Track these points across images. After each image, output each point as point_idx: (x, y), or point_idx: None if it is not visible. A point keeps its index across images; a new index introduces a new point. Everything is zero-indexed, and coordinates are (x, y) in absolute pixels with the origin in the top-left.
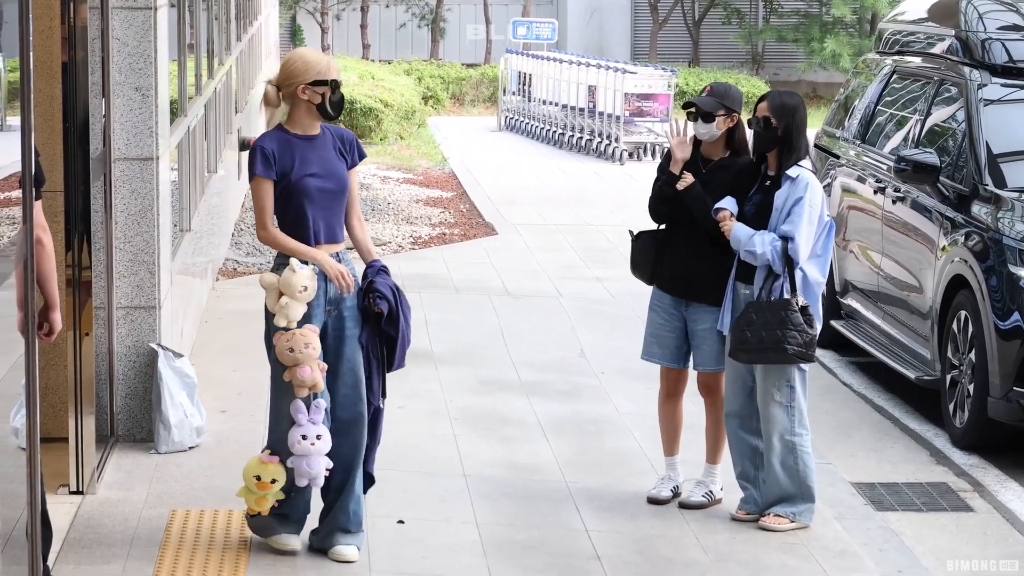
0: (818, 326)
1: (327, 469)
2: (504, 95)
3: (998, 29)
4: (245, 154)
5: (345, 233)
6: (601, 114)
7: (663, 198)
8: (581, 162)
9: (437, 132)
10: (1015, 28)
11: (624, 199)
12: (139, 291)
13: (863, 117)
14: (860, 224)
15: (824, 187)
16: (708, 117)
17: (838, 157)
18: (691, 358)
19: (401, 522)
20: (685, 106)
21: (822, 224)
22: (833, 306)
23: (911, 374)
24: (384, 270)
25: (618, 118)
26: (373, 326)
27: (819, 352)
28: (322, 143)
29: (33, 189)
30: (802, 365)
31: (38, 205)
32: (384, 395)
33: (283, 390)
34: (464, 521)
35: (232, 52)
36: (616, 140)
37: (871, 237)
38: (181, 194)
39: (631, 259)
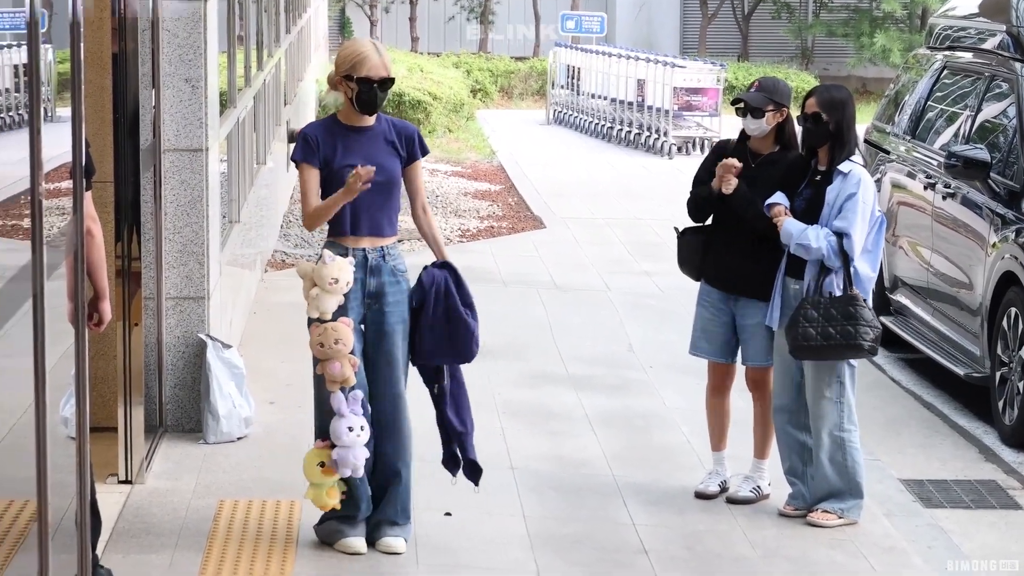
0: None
1: (366, 458)
2: (553, 88)
3: None
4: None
5: (398, 227)
6: (650, 108)
7: (702, 204)
8: (629, 156)
9: (485, 125)
10: None
11: (672, 193)
12: (188, 282)
13: (913, 113)
14: (910, 220)
15: (874, 183)
16: (757, 112)
17: (888, 153)
18: (739, 353)
19: (448, 515)
20: (734, 102)
21: (874, 220)
22: (882, 302)
23: (960, 371)
24: (443, 268)
25: (667, 112)
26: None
27: None
28: (372, 135)
29: (83, 180)
30: (852, 361)
31: (88, 196)
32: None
33: (319, 381)
34: (511, 514)
35: (281, 44)
36: (665, 134)
37: (921, 233)
38: (230, 185)
39: (678, 256)
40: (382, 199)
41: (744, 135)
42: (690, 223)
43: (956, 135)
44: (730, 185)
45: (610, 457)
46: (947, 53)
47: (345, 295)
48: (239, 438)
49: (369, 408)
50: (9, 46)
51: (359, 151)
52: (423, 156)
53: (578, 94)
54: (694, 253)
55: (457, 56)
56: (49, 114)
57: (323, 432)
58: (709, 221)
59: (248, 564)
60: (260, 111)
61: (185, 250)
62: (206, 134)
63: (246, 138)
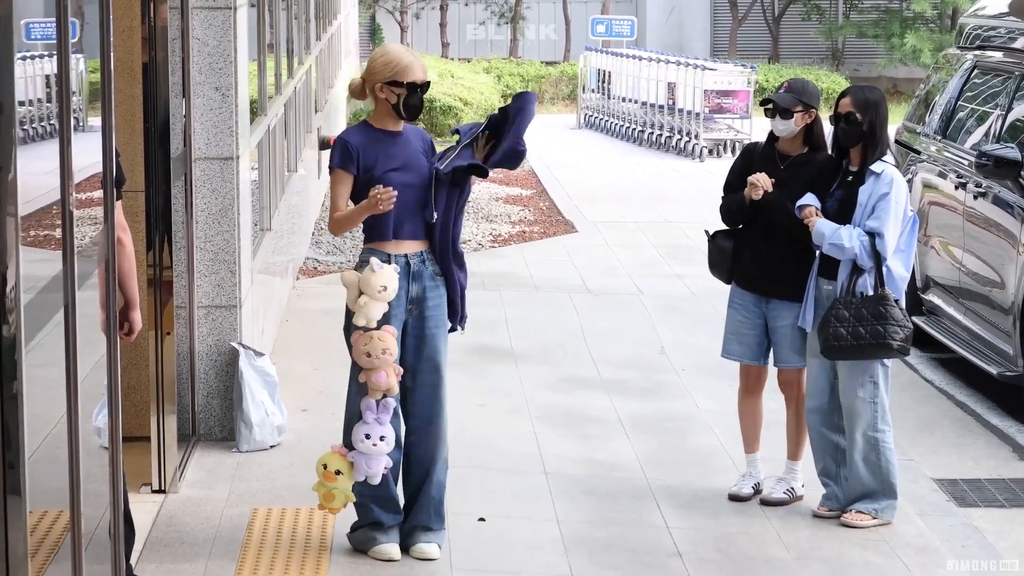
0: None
1: (386, 467)
2: (583, 93)
3: None
4: (325, 153)
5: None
6: (681, 111)
7: (734, 212)
8: (661, 159)
9: None
10: None
11: (704, 196)
12: (220, 290)
13: (944, 112)
14: (941, 220)
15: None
16: (786, 114)
17: (919, 153)
18: (771, 355)
19: (482, 520)
20: (763, 103)
21: (906, 220)
22: (914, 302)
23: (993, 370)
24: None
25: (698, 115)
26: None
27: None
28: (404, 140)
29: (114, 189)
30: (885, 361)
31: (119, 205)
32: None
33: (357, 387)
34: (545, 519)
35: (312, 51)
36: (696, 137)
37: (952, 233)
38: (261, 193)
39: (709, 259)
40: (421, 202)
41: (773, 136)
42: (722, 227)
43: (987, 134)
44: (758, 192)
45: (643, 460)
46: (977, 53)
47: (388, 302)
48: (272, 446)
49: (400, 418)
50: (41, 56)
51: (399, 156)
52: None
53: (609, 98)
54: (725, 256)
55: (487, 61)
56: (81, 124)
57: (347, 439)
58: (740, 226)
59: (282, 572)
60: (291, 118)
61: (216, 258)
62: (236, 142)
63: (277, 146)
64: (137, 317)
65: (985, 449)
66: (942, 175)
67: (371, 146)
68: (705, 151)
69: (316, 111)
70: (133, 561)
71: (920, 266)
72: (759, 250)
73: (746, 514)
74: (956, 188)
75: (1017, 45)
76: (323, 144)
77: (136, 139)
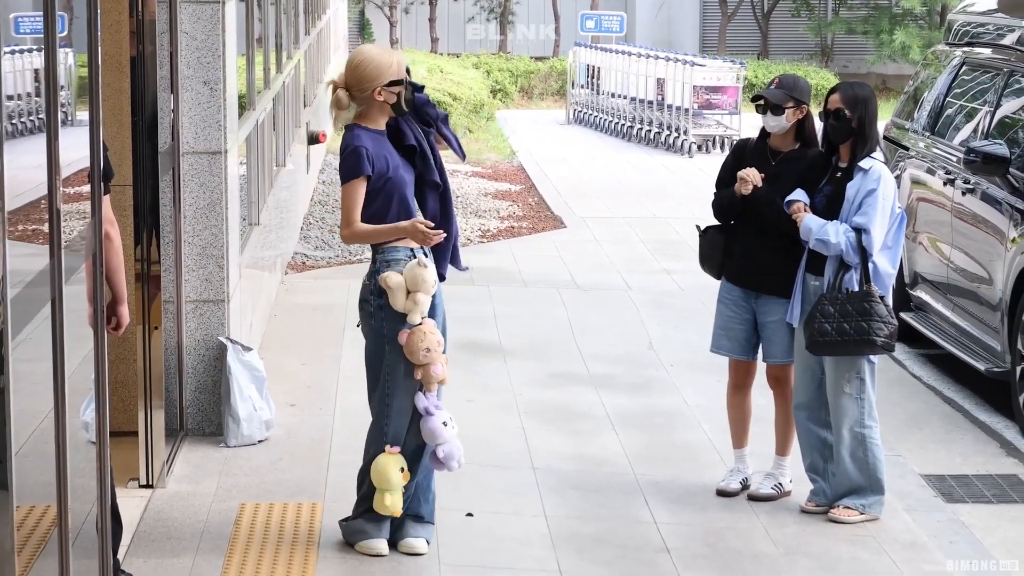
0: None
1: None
2: (572, 88)
3: None
4: (314, 148)
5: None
6: (670, 107)
7: (725, 207)
8: (649, 155)
9: (505, 125)
10: None
11: (693, 192)
12: (208, 285)
13: (932, 109)
14: (929, 216)
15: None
16: (777, 109)
17: (907, 149)
18: (760, 350)
19: (470, 515)
20: (754, 99)
21: (894, 216)
22: (903, 298)
23: (981, 366)
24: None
25: (687, 111)
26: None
27: None
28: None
29: (101, 183)
30: (871, 357)
31: (106, 200)
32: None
33: (399, 386)
34: (533, 514)
35: (300, 46)
36: (685, 133)
37: (941, 229)
38: (249, 188)
39: (700, 254)
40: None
41: (765, 132)
42: (713, 222)
43: (975, 131)
44: (747, 187)
45: (631, 456)
46: (966, 49)
47: None
48: (260, 441)
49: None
50: (30, 50)
51: (395, 154)
52: None
53: (598, 93)
54: (716, 251)
55: (477, 57)
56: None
57: (397, 438)
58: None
59: (270, 567)
60: (279, 113)
61: (204, 253)
62: (225, 137)
63: (265, 140)
64: (125, 312)
65: (973, 445)
66: (930, 171)
67: (379, 150)
68: (694, 147)
69: (305, 106)
70: (121, 556)
71: (908, 262)
72: (749, 245)
73: (734, 509)
74: (944, 184)
75: (1005, 41)
76: (312, 139)
77: (124, 133)
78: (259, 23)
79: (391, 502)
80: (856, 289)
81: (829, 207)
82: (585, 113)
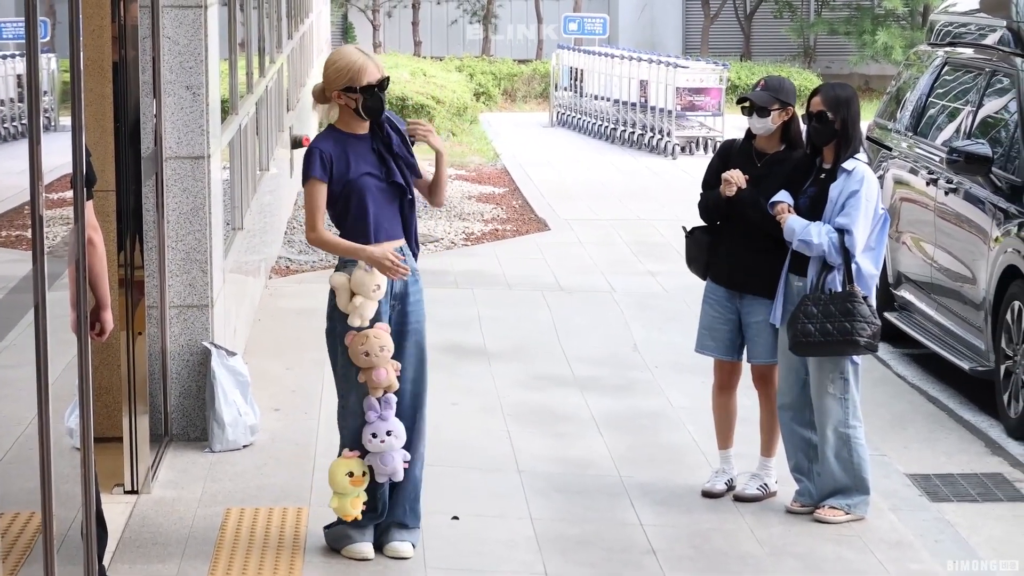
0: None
1: (405, 462)
2: (556, 91)
3: None
4: (298, 152)
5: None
6: (653, 109)
7: (711, 208)
8: (633, 157)
9: (489, 128)
10: None
11: (676, 193)
12: (191, 290)
13: (915, 109)
14: (913, 216)
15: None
16: (763, 111)
17: (890, 149)
18: (745, 351)
19: (456, 518)
20: (740, 101)
21: (877, 217)
22: (886, 298)
23: (965, 365)
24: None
25: (670, 112)
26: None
27: None
28: (369, 140)
29: (84, 189)
30: (855, 358)
31: (89, 205)
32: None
33: (353, 388)
34: (518, 517)
35: (283, 50)
36: (668, 134)
37: (924, 229)
38: (233, 192)
39: (686, 254)
40: (397, 202)
41: (750, 134)
42: (699, 223)
43: (958, 131)
44: (731, 189)
45: (616, 458)
46: (948, 49)
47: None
48: (245, 446)
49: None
50: (13, 56)
51: (370, 158)
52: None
53: (581, 96)
54: (702, 251)
55: (460, 60)
56: (52, 123)
57: (351, 442)
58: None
59: (255, 572)
60: (262, 117)
61: (188, 258)
62: (208, 141)
63: (248, 145)
64: (108, 317)
65: (957, 444)
66: (913, 171)
67: (342, 152)
68: (677, 148)
69: (288, 110)
70: (106, 562)
71: (892, 262)
72: (734, 247)
73: (719, 510)
74: (927, 184)
75: (987, 41)
76: (295, 143)
77: (107, 138)
78: (242, 27)
79: (338, 505)
80: (839, 290)
81: (813, 208)
82: (568, 115)
